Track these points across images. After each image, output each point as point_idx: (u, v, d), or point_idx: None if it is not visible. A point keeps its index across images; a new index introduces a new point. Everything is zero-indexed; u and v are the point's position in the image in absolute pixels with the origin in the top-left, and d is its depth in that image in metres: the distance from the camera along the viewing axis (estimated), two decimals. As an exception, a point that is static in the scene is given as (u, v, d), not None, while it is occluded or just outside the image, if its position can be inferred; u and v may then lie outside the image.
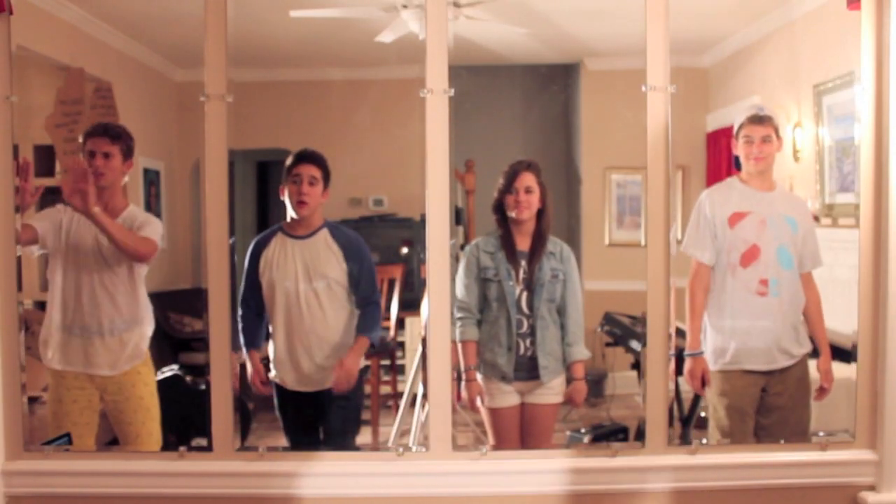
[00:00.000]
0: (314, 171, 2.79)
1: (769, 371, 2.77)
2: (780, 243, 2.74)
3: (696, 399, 2.82)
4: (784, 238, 2.74)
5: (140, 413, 2.72)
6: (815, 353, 2.79)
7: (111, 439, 2.75)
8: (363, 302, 2.84)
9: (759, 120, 2.74)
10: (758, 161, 2.75)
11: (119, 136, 2.68)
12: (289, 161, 2.80)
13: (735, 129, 2.77)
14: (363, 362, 2.89)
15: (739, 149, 2.77)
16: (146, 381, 2.75)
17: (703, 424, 2.82)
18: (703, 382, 2.75)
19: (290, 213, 2.82)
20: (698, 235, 2.75)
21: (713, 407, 2.77)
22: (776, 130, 2.75)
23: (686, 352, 2.72)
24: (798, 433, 2.76)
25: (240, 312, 2.75)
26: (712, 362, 2.76)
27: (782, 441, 2.73)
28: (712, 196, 2.78)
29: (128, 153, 2.69)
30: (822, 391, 2.77)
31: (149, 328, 2.74)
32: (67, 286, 2.66)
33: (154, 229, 2.70)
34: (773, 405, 2.77)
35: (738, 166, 2.81)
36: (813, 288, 2.77)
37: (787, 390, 2.77)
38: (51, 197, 2.73)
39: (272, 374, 2.86)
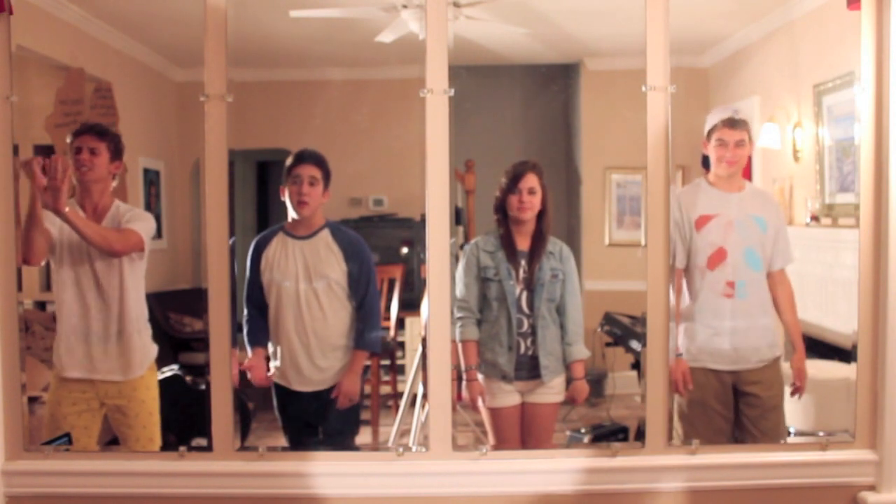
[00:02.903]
0: (314, 172, 2.79)
1: (736, 371, 2.77)
2: (747, 245, 2.75)
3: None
4: (752, 240, 2.75)
5: (142, 417, 2.72)
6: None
7: (111, 439, 2.75)
8: (361, 304, 2.84)
9: (733, 124, 2.75)
10: (730, 164, 2.76)
11: (105, 133, 2.68)
12: (289, 161, 2.80)
13: (707, 129, 2.78)
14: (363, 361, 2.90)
15: (711, 150, 2.78)
16: (148, 384, 2.74)
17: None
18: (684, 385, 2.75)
19: (291, 214, 2.82)
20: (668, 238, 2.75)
21: (676, 399, 2.77)
22: (750, 135, 2.76)
23: None
24: (775, 435, 2.77)
25: (245, 311, 2.76)
26: None
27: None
28: (681, 199, 2.77)
29: (115, 153, 2.69)
30: (797, 389, 2.77)
31: (147, 333, 2.73)
32: (68, 291, 2.66)
33: (143, 224, 2.69)
34: (749, 405, 2.78)
35: (706, 166, 2.81)
36: (785, 284, 2.77)
37: (760, 391, 2.78)
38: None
39: (272, 373, 2.86)
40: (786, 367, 2.81)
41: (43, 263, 2.66)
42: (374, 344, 2.87)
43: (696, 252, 2.75)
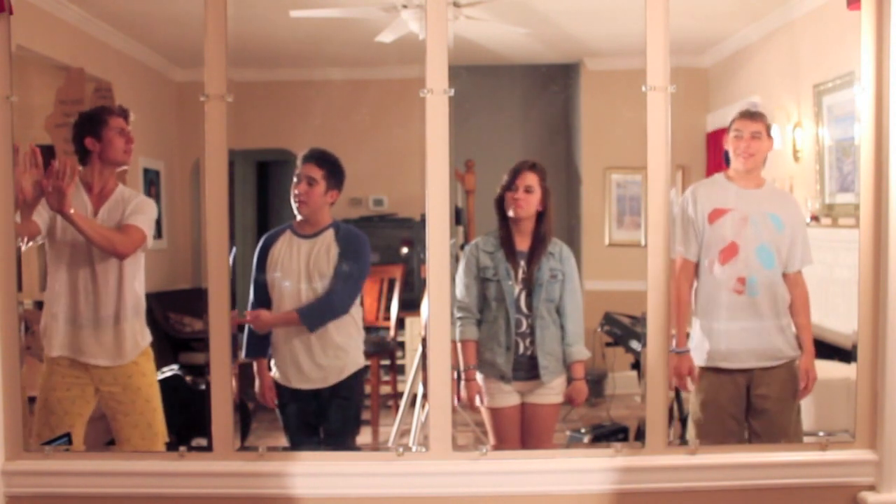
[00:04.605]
0: (313, 172, 2.80)
1: (748, 370, 2.76)
2: (760, 242, 2.73)
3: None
4: (765, 237, 2.73)
5: (138, 403, 2.72)
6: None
7: (111, 439, 2.75)
8: (329, 289, 2.80)
9: (750, 115, 2.73)
10: (746, 157, 2.74)
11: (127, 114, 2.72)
12: (298, 159, 2.83)
13: (729, 123, 2.78)
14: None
15: (729, 143, 2.77)
16: (143, 371, 2.74)
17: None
18: (690, 380, 2.74)
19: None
20: (682, 231, 2.75)
21: (691, 403, 2.77)
22: (767, 129, 2.74)
23: (672, 348, 2.71)
24: (788, 436, 2.75)
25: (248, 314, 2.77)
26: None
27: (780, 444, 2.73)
28: (696, 192, 2.78)
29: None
30: (803, 391, 2.76)
31: (142, 319, 2.73)
32: (63, 276, 2.66)
33: (146, 217, 2.69)
34: (759, 407, 2.77)
35: (727, 162, 2.81)
36: (801, 286, 2.76)
37: (772, 392, 2.76)
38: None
39: (272, 371, 2.87)
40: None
41: (25, 247, 2.63)
42: (306, 316, 2.80)
43: (708, 246, 2.74)
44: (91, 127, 2.67)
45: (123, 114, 2.69)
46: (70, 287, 2.65)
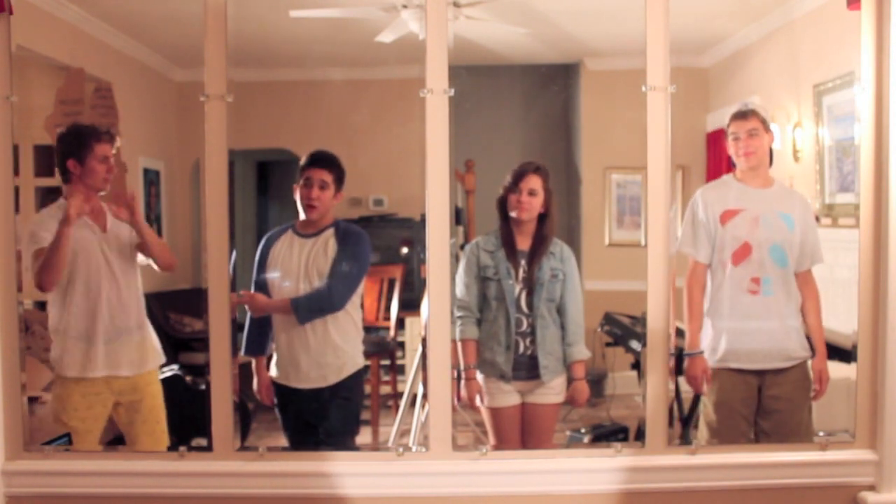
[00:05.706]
0: (325, 176, 2.79)
1: (762, 371, 2.75)
2: (773, 242, 2.72)
3: (697, 399, 2.81)
4: (778, 236, 2.72)
5: (155, 410, 2.75)
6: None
7: (111, 439, 2.75)
8: (325, 285, 2.78)
9: (742, 115, 2.72)
10: (748, 156, 2.73)
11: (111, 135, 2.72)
12: (302, 161, 2.81)
13: (726, 129, 2.77)
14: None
15: (730, 147, 2.76)
16: (154, 378, 2.78)
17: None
18: (704, 382, 2.74)
19: (302, 214, 2.83)
20: (692, 234, 2.74)
21: (703, 403, 2.77)
22: (763, 123, 2.72)
23: (685, 351, 2.71)
24: (798, 436, 2.74)
25: (248, 314, 2.78)
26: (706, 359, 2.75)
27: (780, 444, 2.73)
28: (705, 194, 2.77)
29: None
30: (817, 392, 2.75)
31: (151, 327, 2.76)
32: (82, 295, 2.65)
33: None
34: (770, 408, 2.76)
35: (734, 166, 2.81)
36: (812, 285, 2.75)
37: (784, 393, 2.75)
38: (51, 196, 2.73)
39: (272, 370, 2.87)
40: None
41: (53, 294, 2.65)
42: (298, 307, 2.79)
43: (721, 247, 2.72)
44: (76, 149, 2.65)
45: (111, 140, 2.67)
46: (92, 305, 2.65)
